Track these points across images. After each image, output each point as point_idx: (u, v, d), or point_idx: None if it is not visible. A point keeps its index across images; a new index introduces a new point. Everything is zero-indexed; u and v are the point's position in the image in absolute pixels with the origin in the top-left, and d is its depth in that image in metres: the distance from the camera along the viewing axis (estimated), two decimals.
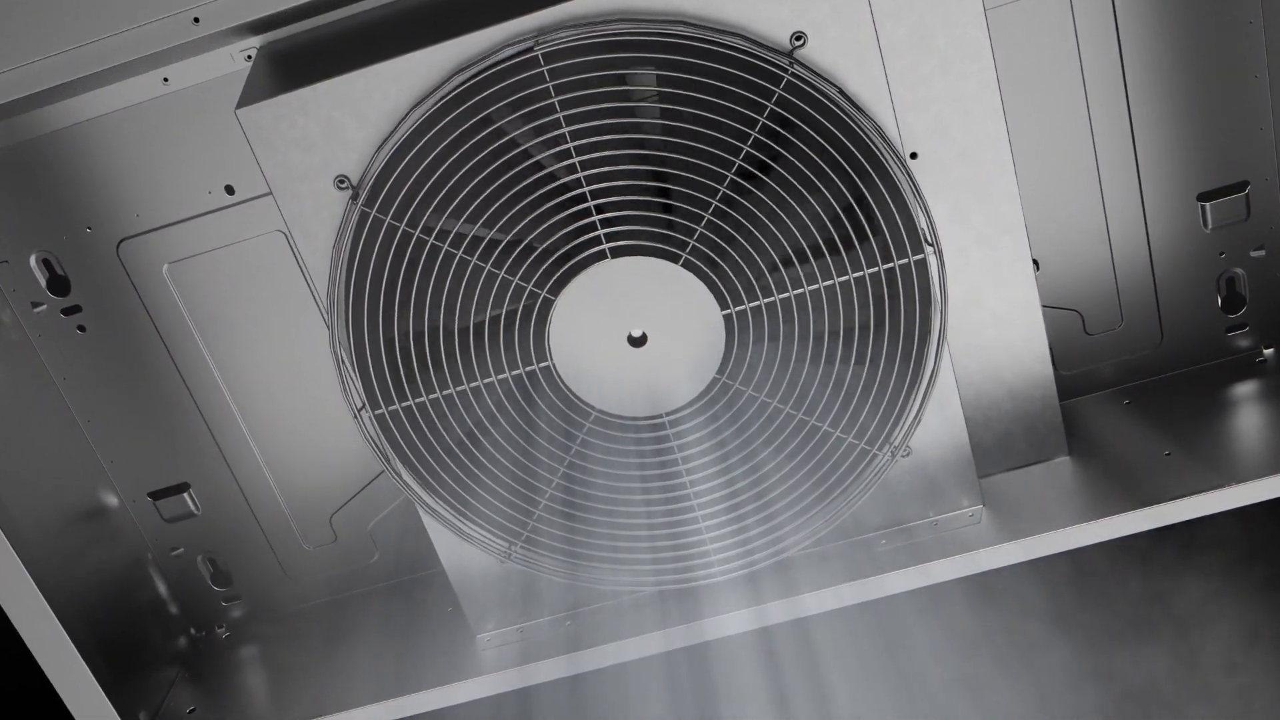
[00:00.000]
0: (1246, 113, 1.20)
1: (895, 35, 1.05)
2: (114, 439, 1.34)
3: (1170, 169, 1.22)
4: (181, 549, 1.40)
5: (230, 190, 1.23)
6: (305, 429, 1.35)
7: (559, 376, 1.12)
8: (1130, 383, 1.31)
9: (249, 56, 1.15)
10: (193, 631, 1.43)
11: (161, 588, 1.41)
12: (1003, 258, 1.14)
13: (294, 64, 1.09)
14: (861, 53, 1.03)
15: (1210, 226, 1.24)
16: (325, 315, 1.10)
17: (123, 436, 1.34)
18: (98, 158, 1.21)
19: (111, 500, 1.37)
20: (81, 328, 1.29)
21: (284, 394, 1.33)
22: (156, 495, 1.37)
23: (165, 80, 1.17)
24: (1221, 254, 1.25)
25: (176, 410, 1.33)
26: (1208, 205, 1.23)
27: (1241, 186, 1.22)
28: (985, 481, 1.23)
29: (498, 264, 1.08)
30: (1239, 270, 1.26)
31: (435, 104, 1.03)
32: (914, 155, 1.09)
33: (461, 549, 1.23)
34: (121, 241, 1.25)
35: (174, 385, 1.32)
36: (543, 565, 1.21)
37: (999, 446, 1.22)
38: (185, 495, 1.37)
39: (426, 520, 1.20)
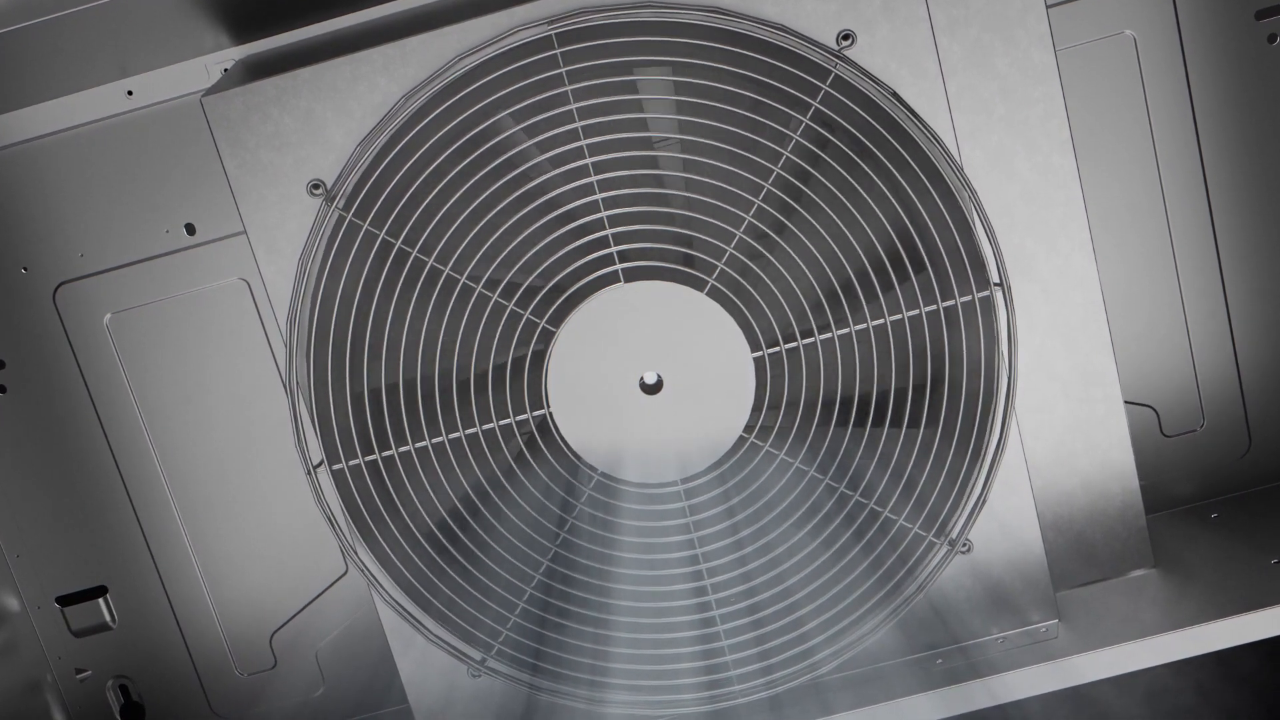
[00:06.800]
0: None
1: (951, 53, 0.93)
2: (23, 526, 1.14)
3: (1253, 248, 1.09)
4: (89, 671, 1.17)
5: (191, 230, 1.09)
6: (251, 526, 1.15)
7: (556, 428, 0.94)
8: (1214, 498, 1.13)
9: (225, 70, 1.03)
10: None
11: None
12: (1074, 318, 0.98)
13: (273, 70, 0.97)
14: (917, 58, 0.91)
15: None
16: (284, 338, 0.93)
17: (34, 524, 1.15)
18: (42, 185, 1.08)
19: (11, 604, 1.15)
20: (2, 388, 1.12)
21: (229, 482, 1.14)
22: (66, 600, 1.16)
23: (129, 94, 1.05)
24: None
25: (102, 494, 1.14)
26: None
27: None
28: (1058, 596, 1.03)
29: (490, 285, 0.92)
30: None
31: (430, 95, 0.90)
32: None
33: (425, 658, 1.01)
34: (60, 285, 1.10)
35: (102, 464, 1.13)
36: (523, 680, 0.99)
37: (1073, 553, 1.03)
38: (101, 602, 1.16)
39: (384, 616, 0.99)
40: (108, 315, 1.10)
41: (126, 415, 1.12)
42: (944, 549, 0.96)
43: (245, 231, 0.93)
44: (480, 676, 1.00)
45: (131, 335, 1.11)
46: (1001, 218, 0.96)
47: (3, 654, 1.13)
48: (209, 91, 0.92)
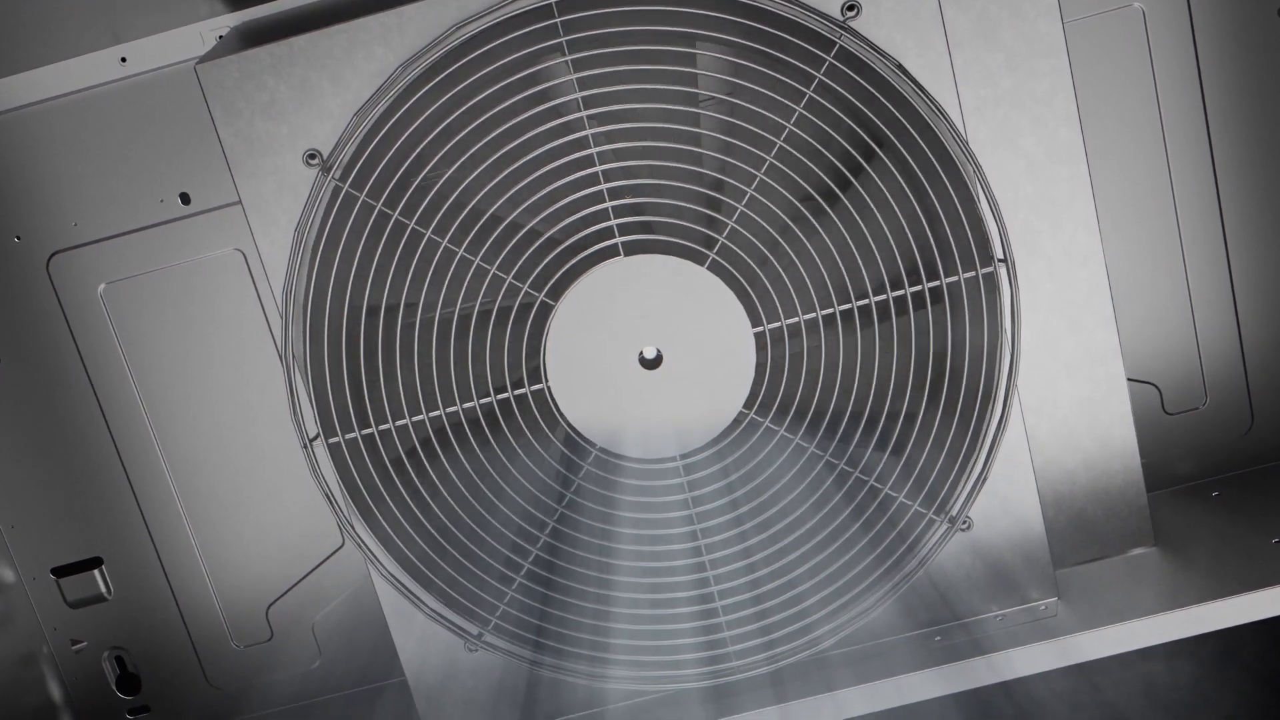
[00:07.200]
0: None
1: (957, 24, 0.92)
2: (17, 498, 1.14)
3: (1259, 225, 1.08)
4: (85, 642, 1.17)
5: (186, 199, 1.07)
6: (247, 498, 1.14)
7: (554, 403, 0.93)
8: (1215, 476, 1.12)
9: (220, 37, 1.01)
10: None
11: (55, 691, 1.17)
12: (1077, 295, 0.97)
13: (269, 38, 0.95)
14: (923, 30, 0.90)
15: None
16: (280, 310, 0.92)
17: (28, 495, 1.14)
18: (35, 153, 1.06)
19: (6, 575, 1.15)
20: None
21: (226, 453, 1.13)
22: (62, 571, 1.15)
23: (123, 60, 1.03)
24: None
25: (96, 466, 1.13)
26: None
27: None
28: (1058, 574, 1.02)
29: (489, 257, 0.91)
30: None
31: (428, 64, 0.88)
32: None
33: (422, 632, 1.00)
34: (53, 255, 1.09)
35: (96, 434, 1.12)
36: (521, 654, 0.98)
37: (1073, 530, 1.02)
38: (96, 573, 1.15)
39: (381, 590, 0.98)
40: (102, 285, 1.09)
41: (121, 385, 1.11)
42: (944, 526, 0.95)
43: (240, 202, 0.92)
44: (478, 651, 0.99)
45: (126, 305, 1.09)
46: (1006, 193, 0.95)
47: (0, 624, 1.13)
48: (203, 59, 0.91)
